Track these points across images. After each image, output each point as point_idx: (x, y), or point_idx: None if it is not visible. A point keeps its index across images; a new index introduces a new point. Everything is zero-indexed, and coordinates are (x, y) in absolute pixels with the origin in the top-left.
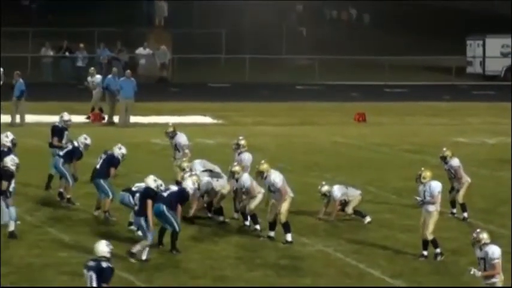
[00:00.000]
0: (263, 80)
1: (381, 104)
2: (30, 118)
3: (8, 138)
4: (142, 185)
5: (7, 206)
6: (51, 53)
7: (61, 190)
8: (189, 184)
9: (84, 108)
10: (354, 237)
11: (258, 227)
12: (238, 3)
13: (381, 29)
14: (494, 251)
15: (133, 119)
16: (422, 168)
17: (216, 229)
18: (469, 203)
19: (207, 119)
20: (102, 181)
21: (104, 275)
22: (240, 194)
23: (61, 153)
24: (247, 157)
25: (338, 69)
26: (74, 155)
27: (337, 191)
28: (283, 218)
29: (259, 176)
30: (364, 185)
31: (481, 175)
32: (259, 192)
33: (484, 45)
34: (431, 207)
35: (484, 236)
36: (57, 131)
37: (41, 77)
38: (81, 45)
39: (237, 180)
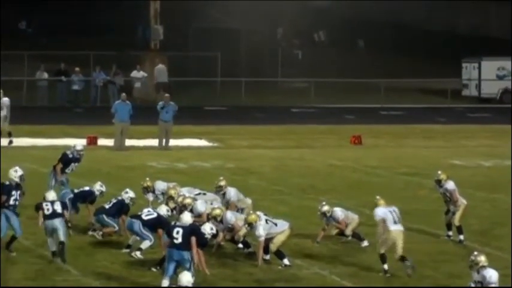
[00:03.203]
0: (259, 103)
1: (376, 126)
2: (25, 141)
3: (16, 173)
4: (150, 210)
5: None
6: (46, 75)
7: None
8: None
9: (80, 132)
10: (350, 260)
11: (251, 249)
12: (234, 27)
13: (376, 52)
14: (492, 275)
15: (128, 142)
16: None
17: (208, 252)
18: (465, 225)
19: (203, 142)
20: (105, 217)
21: None
22: (225, 232)
23: (76, 191)
24: (232, 194)
25: (333, 92)
26: (87, 198)
27: (340, 211)
28: (273, 247)
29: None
30: (359, 208)
31: (477, 197)
32: (244, 226)
33: (479, 68)
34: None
35: (482, 259)
36: (66, 160)
37: (36, 100)
38: (77, 68)
39: (221, 222)
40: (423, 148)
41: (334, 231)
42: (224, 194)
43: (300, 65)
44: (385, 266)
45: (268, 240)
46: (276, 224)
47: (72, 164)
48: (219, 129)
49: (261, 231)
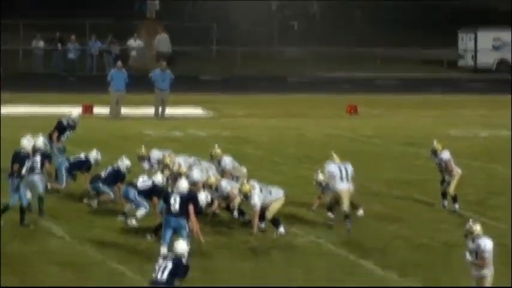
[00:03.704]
0: (255, 72)
1: (372, 96)
2: (21, 109)
3: (29, 142)
4: (145, 178)
5: (18, 189)
6: (42, 44)
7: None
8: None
9: (76, 100)
10: (342, 228)
11: (246, 217)
12: None
13: (373, 22)
14: (486, 244)
15: (124, 110)
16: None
17: (204, 220)
18: (461, 195)
19: (199, 111)
20: (101, 185)
21: (180, 270)
22: (220, 200)
23: (71, 159)
24: (227, 162)
25: (329, 62)
26: (82, 166)
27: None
28: (269, 215)
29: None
30: (356, 177)
31: (473, 167)
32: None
33: (475, 39)
34: None
35: (477, 228)
36: (61, 128)
37: (32, 68)
38: (73, 37)
39: (216, 190)
40: (419, 118)
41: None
42: (219, 162)
43: (296, 35)
44: (329, 214)
45: (264, 208)
46: (270, 192)
47: (67, 131)
48: (215, 98)
49: (256, 200)
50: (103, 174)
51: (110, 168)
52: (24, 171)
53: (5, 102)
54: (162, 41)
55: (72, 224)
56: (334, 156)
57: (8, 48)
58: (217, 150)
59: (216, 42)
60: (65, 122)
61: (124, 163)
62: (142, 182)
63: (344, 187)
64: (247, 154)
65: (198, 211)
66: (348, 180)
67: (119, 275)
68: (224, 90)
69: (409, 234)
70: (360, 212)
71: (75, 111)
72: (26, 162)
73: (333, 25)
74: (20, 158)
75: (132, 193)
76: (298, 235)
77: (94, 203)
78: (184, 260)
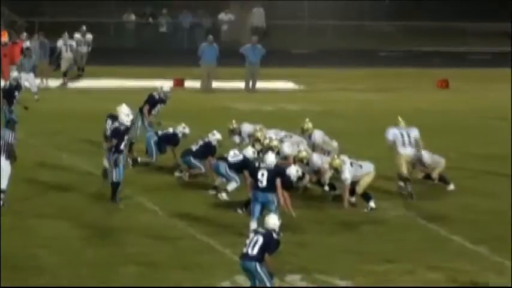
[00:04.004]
0: (345, 46)
1: (463, 70)
2: (112, 83)
3: (128, 118)
4: (236, 152)
5: (116, 164)
6: (133, 18)
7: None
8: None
9: (167, 73)
10: (435, 203)
11: (337, 192)
12: None
13: None
14: None
15: (215, 84)
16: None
17: (295, 194)
18: None
19: (289, 85)
20: (192, 159)
21: (271, 244)
22: (311, 175)
23: (160, 133)
24: (318, 136)
25: (419, 36)
26: (171, 141)
27: (427, 154)
28: (360, 189)
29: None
30: (445, 151)
31: None
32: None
33: None
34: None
35: None
36: (152, 102)
37: (124, 42)
38: (164, 10)
39: (307, 164)
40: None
41: (420, 175)
42: (310, 136)
43: (388, 8)
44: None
45: (354, 182)
46: (361, 166)
47: (158, 105)
48: (305, 72)
49: (347, 174)
50: (194, 147)
51: (201, 142)
52: (122, 146)
53: (95, 76)
54: (258, 15)
55: (163, 198)
56: (400, 120)
57: (99, 22)
58: (309, 124)
59: (308, 15)
60: (156, 96)
61: (215, 137)
62: (233, 156)
63: (406, 152)
64: (338, 128)
65: (289, 185)
66: (410, 144)
67: (209, 249)
68: (315, 64)
69: (501, 209)
70: (451, 187)
71: (167, 85)
72: (125, 138)
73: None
74: (119, 133)
75: (223, 167)
76: (388, 209)
77: (185, 176)
78: (275, 235)
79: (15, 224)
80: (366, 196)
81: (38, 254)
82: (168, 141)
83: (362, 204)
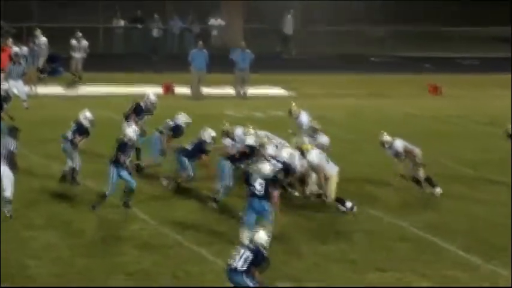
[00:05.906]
0: (335, 51)
1: (453, 76)
2: (101, 89)
3: (135, 133)
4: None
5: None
6: (122, 23)
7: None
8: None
9: (156, 79)
10: (427, 211)
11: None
12: None
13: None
14: None
15: (205, 90)
16: None
17: (285, 201)
18: None
19: (281, 91)
20: (186, 161)
21: (258, 260)
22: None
23: (160, 128)
24: (304, 117)
25: (410, 41)
26: (176, 134)
27: (399, 142)
28: (332, 195)
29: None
30: (437, 157)
31: None
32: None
33: None
34: None
35: None
36: (139, 111)
37: (112, 47)
38: (155, 15)
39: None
40: (501, 98)
41: (408, 177)
42: (297, 118)
43: (378, 14)
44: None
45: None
46: (328, 161)
47: (145, 114)
48: (295, 78)
49: (314, 156)
50: (189, 147)
51: (195, 141)
52: (128, 161)
53: (85, 82)
54: (288, 23)
55: (153, 206)
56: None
57: (88, 27)
58: (295, 107)
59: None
60: (143, 105)
61: (206, 132)
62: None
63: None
64: (329, 134)
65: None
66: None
67: (200, 258)
68: (306, 70)
69: (493, 216)
70: (437, 189)
71: (154, 92)
72: (130, 153)
73: (415, 4)
74: (127, 148)
75: (228, 167)
76: (381, 217)
77: (170, 183)
78: (264, 251)
79: (5, 234)
80: (339, 200)
81: (29, 264)
82: (175, 135)
83: (351, 212)
